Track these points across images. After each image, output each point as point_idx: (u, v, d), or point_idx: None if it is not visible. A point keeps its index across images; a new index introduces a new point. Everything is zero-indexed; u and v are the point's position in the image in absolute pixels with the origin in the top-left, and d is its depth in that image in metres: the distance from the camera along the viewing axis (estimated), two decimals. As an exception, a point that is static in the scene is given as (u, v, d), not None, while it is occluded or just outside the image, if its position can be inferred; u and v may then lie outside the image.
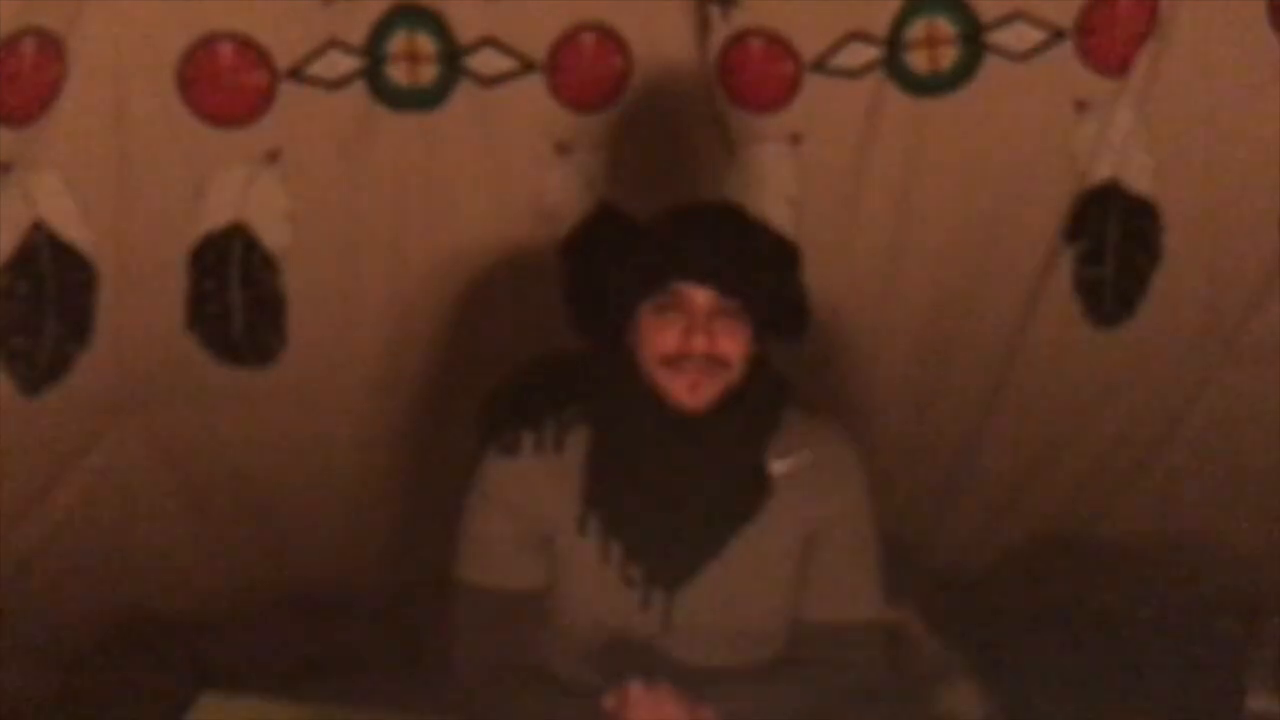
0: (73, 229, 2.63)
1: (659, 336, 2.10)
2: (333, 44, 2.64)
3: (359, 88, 2.67)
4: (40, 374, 2.67)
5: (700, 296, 2.09)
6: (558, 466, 2.15)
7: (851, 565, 2.21)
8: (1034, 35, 2.84)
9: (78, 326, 2.67)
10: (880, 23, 2.80)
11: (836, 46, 2.79)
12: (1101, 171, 2.93)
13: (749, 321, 2.11)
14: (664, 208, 2.22)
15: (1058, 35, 2.84)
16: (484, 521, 2.17)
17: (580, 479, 2.15)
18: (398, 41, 2.67)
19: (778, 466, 2.17)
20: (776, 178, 2.83)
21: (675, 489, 2.13)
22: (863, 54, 2.80)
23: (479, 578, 2.16)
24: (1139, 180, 2.95)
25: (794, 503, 2.17)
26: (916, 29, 2.81)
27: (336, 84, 2.66)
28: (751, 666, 2.18)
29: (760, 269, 2.13)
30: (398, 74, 2.68)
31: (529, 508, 2.15)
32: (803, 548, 2.18)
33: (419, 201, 2.75)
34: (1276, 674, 2.50)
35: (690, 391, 2.09)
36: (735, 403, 2.12)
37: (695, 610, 2.15)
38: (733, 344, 2.10)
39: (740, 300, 2.09)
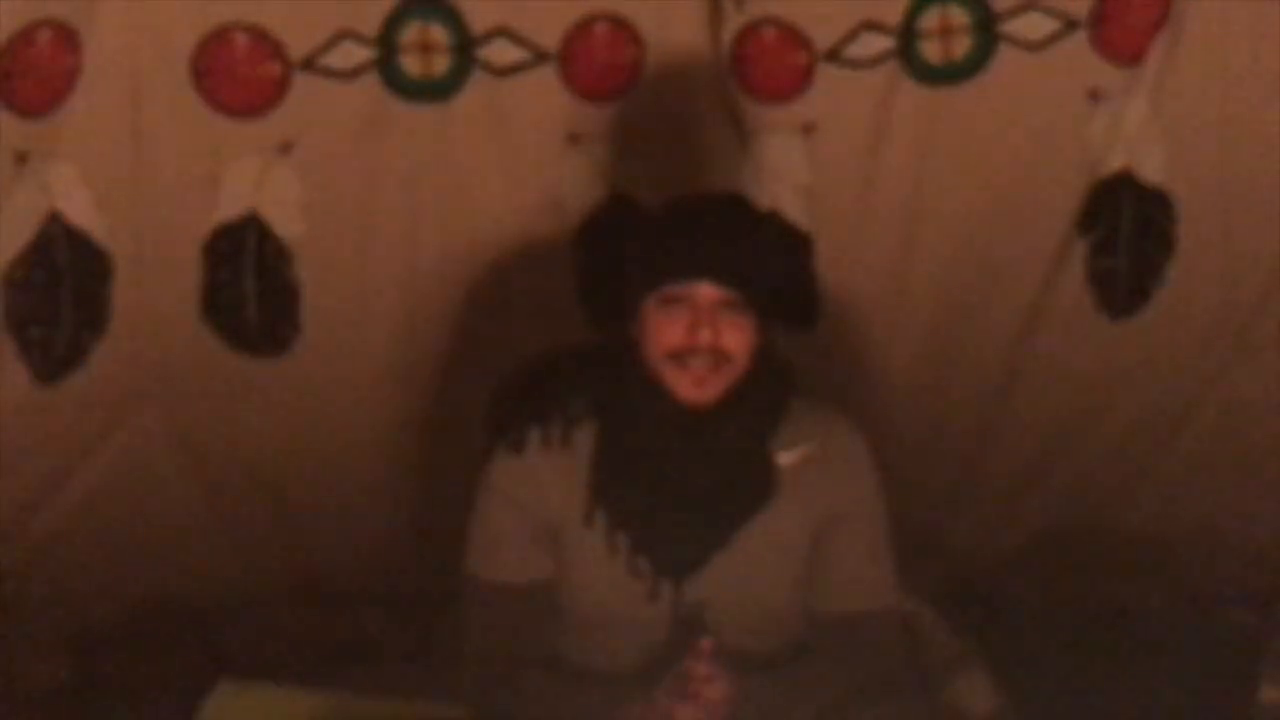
0: (88, 219, 2.65)
1: (664, 331, 2.09)
2: (346, 35, 2.65)
3: (372, 78, 2.68)
4: (57, 363, 2.68)
5: (705, 291, 2.08)
6: (565, 462, 2.15)
7: (866, 555, 2.21)
8: (1047, 25, 2.83)
9: (93, 316, 2.69)
10: (893, 12, 2.80)
11: (849, 36, 2.79)
12: (1115, 162, 2.93)
13: (754, 314, 2.10)
14: (668, 200, 2.21)
15: (1071, 25, 2.84)
16: (492, 517, 2.17)
17: (587, 474, 2.15)
18: (411, 32, 2.67)
19: (784, 457, 2.17)
20: (789, 168, 2.83)
21: (681, 482, 2.13)
22: (876, 44, 2.80)
23: (488, 572, 2.17)
24: (1152, 171, 2.94)
25: (802, 494, 2.17)
26: (930, 18, 2.81)
27: (350, 75, 2.67)
28: (768, 656, 2.19)
29: (766, 262, 2.13)
30: (411, 65, 2.68)
31: (537, 504, 2.15)
32: (814, 538, 2.18)
33: (432, 191, 2.76)
34: (1290, 665, 2.50)
35: (695, 387, 2.09)
36: (740, 396, 2.12)
37: (703, 601, 2.15)
38: (738, 338, 2.09)
39: (746, 294, 2.09)
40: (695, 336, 2.07)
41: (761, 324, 2.11)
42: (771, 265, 2.14)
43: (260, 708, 2.31)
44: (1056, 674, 2.72)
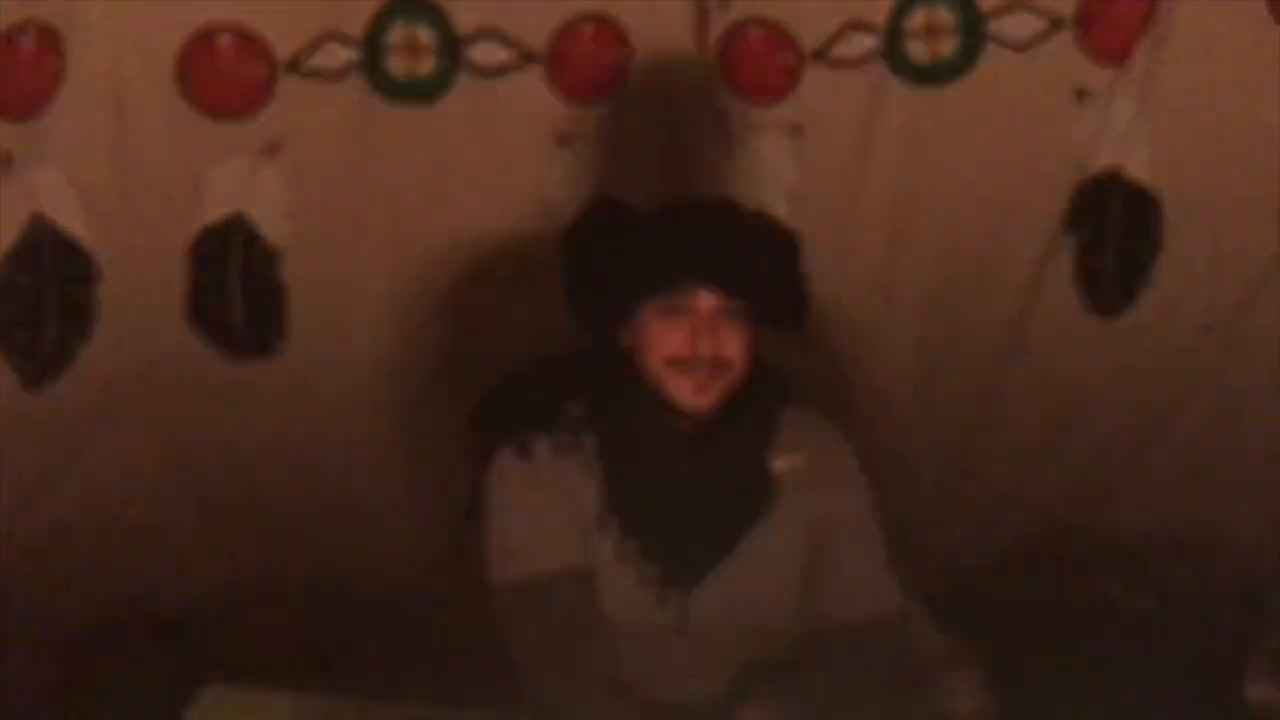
0: (73, 222, 2.64)
1: (665, 339, 2.09)
2: (332, 36, 2.65)
3: (358, 80, 2.67)
4: (41, 367, 2.67)
5: (706, 299, 2.08)
6: (576, 468, 2.14)
7: (865, 561, 2.22)
8: (1034, 24, 2.84)
9: (78, 319, 2.68)
10: (880, 12, 2.81)
11: (836, 36, 2.79)
12: (1102, 161, 2.93)
13: (751, 320, 2.11)
14: (662, 205, 2.20)
15: (1057, 24, 2.85)
16: (518, 512, 2.12)
17: (596, 480, 2.14)
18: (397, 33, 2.67)
19: (779, 464, 2.18)
20: (776, 168, 2.83)
21: (685, 489, 2.13)
22: (862, 44, 2.80)
23: (523, 569, 2.11)
24: (1139, 170, 2.94)
25: (798, 500, 2.18)
26: (916, 18, 2.82)
27: (336, 76, 2.66)
28: (768, 662, 2.18)
29: (764, 269, 2.13)
30: (397, 66, 2.68)
31: (563, 498, 2.12)
32: (810, 546, 2.19)
33: (419, 193, 2.75)
34: (1277, 663, 2.51)
35: (696, 394, 2.09)
36: (737, 402, 2.12)
37: (710, 607, 2.16)
38: (737, 347, 2.10)
39: (745, 301, 2.09)
40: (697, 347, 2.08)
41: (757, 329, 2.12)
42: (769, 272, 2.15)
43: (247, 711, 2.31)
44: (1045, 673, 2.73)
